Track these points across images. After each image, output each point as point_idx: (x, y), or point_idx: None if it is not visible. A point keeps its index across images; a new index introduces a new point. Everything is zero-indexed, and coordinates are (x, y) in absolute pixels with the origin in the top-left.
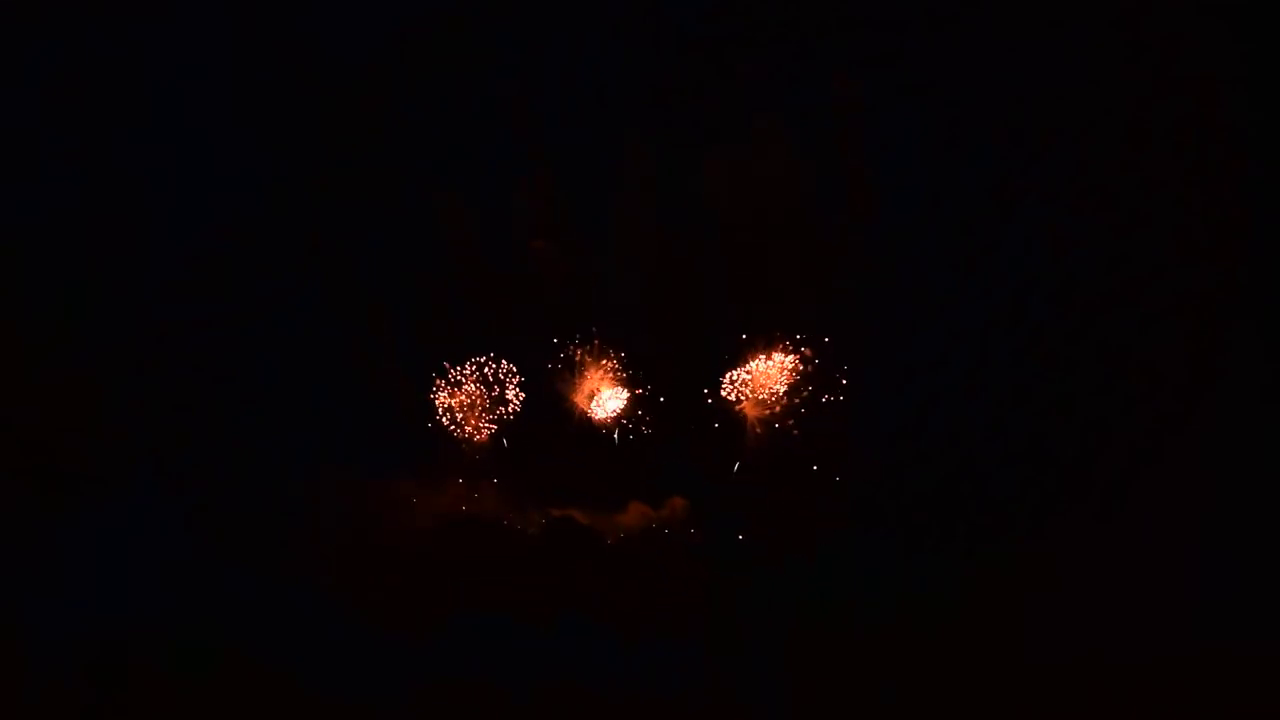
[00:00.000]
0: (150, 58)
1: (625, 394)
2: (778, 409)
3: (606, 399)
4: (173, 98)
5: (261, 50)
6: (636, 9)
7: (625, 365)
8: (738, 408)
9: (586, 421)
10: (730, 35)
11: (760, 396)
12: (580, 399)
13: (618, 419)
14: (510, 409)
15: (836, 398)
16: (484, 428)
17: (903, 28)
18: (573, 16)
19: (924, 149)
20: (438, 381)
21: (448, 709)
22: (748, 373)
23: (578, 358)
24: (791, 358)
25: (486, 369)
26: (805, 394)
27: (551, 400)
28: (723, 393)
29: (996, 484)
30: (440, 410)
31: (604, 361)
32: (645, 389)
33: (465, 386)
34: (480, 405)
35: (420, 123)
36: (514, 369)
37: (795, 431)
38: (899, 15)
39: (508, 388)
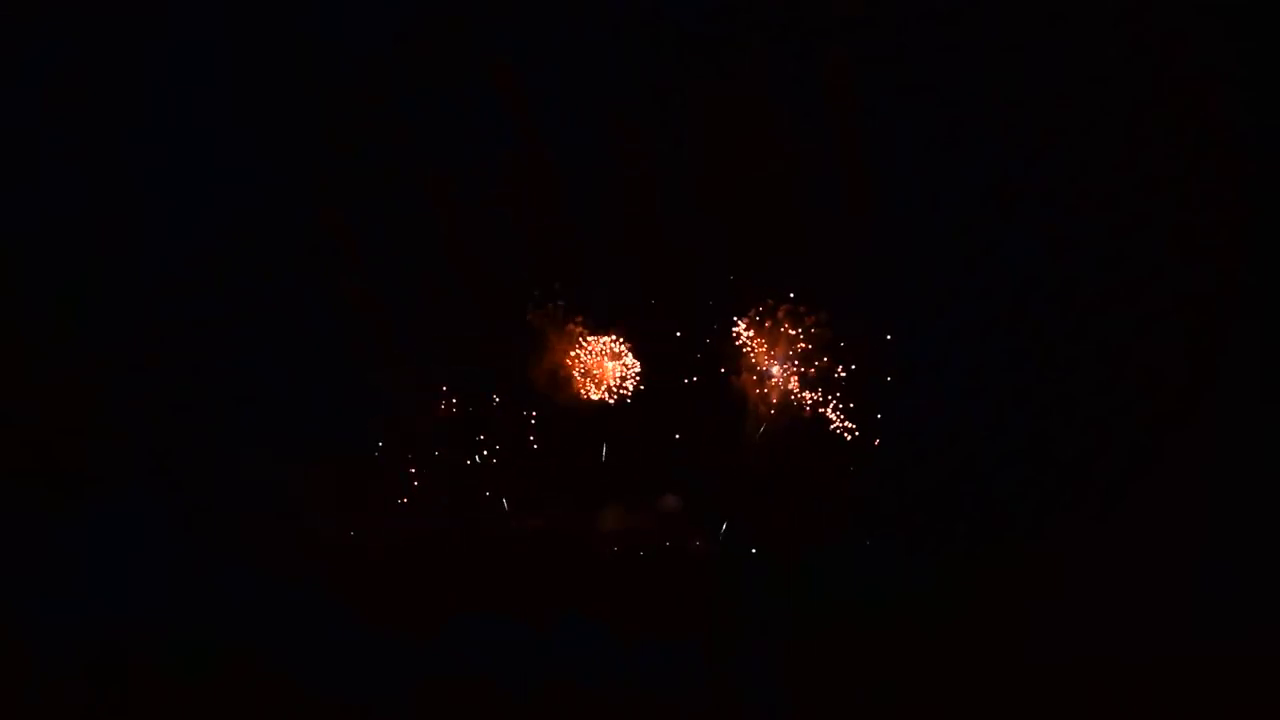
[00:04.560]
0: (150, 58)
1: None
2: (775, 407)
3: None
4: (173, 98)
5: (261, 50)
6: (636, 9)
7: (595, 332)
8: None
9: (551, 405)
10: (730, 35)
11: (759, 398)
12: (541, 376)
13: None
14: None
15: (835, 397)
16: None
17: (903, 28)
18: (572, 15)
19: (924, 149)
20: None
21: (448, 709)
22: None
23: (537, 325)
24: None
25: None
26: (804, 392)
27: (517, 384)
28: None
29: (997, 484)
30: (430, 413)
31: (570, 329)
32: (626, 366)
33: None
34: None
35: (420, 121)
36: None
37: (794, 432)
38: (899, 15)
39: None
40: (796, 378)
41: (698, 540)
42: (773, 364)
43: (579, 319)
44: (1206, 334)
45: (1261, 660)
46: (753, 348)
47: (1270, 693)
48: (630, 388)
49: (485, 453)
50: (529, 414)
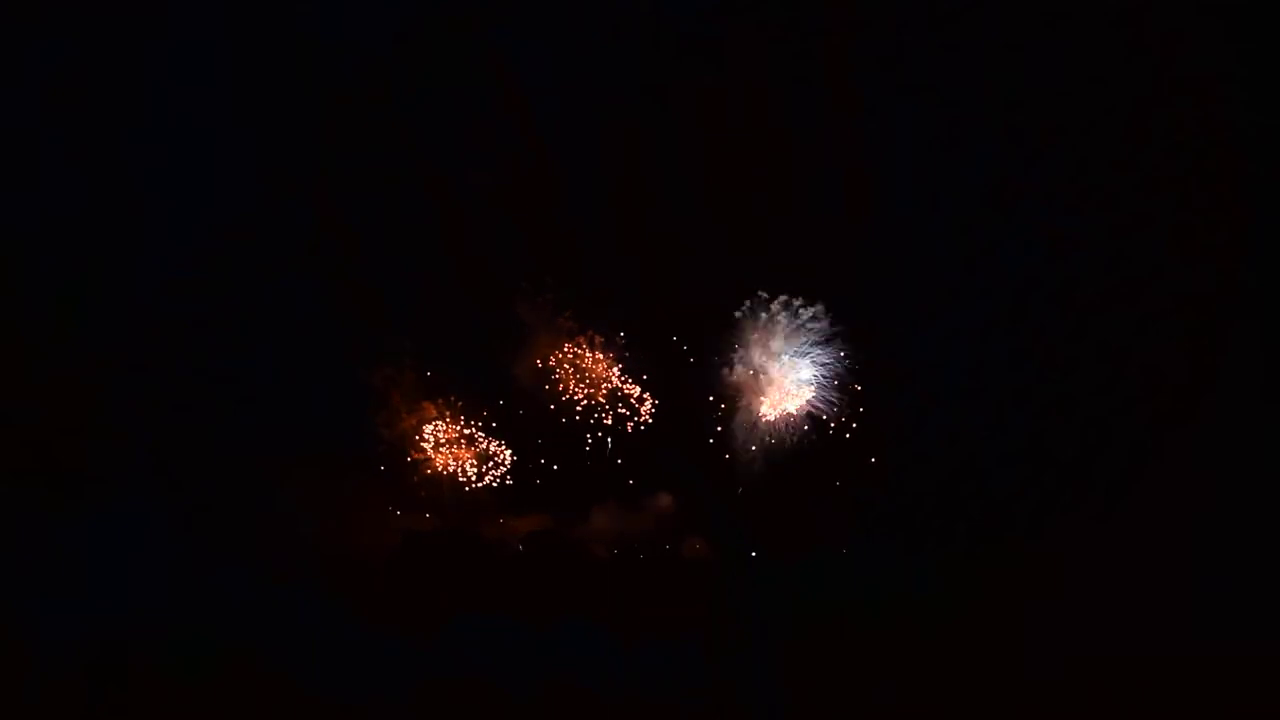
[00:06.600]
0: (150, 58)
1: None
2: (776, 409)
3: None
4: (173, 98)
5: (261, 50)
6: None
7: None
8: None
9: (550, 405)
10: (730, 35)
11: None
12: (541, 377)
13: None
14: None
15: (835, 397)
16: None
17: (903, 28)
18: (572, 15)
19: (924, 149)
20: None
21: (448, 709)
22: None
23: (534, 325)
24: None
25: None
26: (803, 392)
27: (517, 384)
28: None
29: (996, 484)
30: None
31: (570, 328)
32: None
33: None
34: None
35: (420, 121)
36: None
37: (794, 433)
38: (899, 15)
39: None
40: (796, 377)
41: (697, 543)
42: (772, 364)
43: (579, 318)
44: (1206, 334)
45: (1261, 660)
46: (752, 347)
47: (1270, 693)
48: (629, 388)
49: (485, 451)
50: (528, 414)
